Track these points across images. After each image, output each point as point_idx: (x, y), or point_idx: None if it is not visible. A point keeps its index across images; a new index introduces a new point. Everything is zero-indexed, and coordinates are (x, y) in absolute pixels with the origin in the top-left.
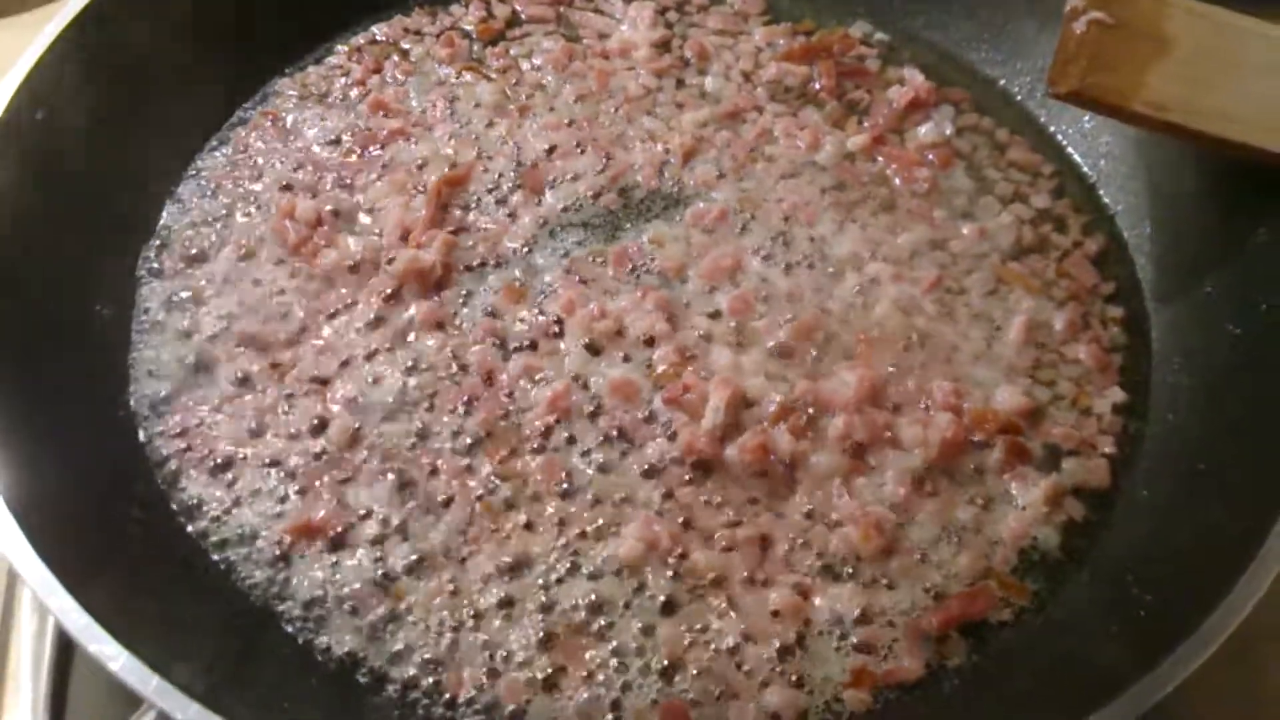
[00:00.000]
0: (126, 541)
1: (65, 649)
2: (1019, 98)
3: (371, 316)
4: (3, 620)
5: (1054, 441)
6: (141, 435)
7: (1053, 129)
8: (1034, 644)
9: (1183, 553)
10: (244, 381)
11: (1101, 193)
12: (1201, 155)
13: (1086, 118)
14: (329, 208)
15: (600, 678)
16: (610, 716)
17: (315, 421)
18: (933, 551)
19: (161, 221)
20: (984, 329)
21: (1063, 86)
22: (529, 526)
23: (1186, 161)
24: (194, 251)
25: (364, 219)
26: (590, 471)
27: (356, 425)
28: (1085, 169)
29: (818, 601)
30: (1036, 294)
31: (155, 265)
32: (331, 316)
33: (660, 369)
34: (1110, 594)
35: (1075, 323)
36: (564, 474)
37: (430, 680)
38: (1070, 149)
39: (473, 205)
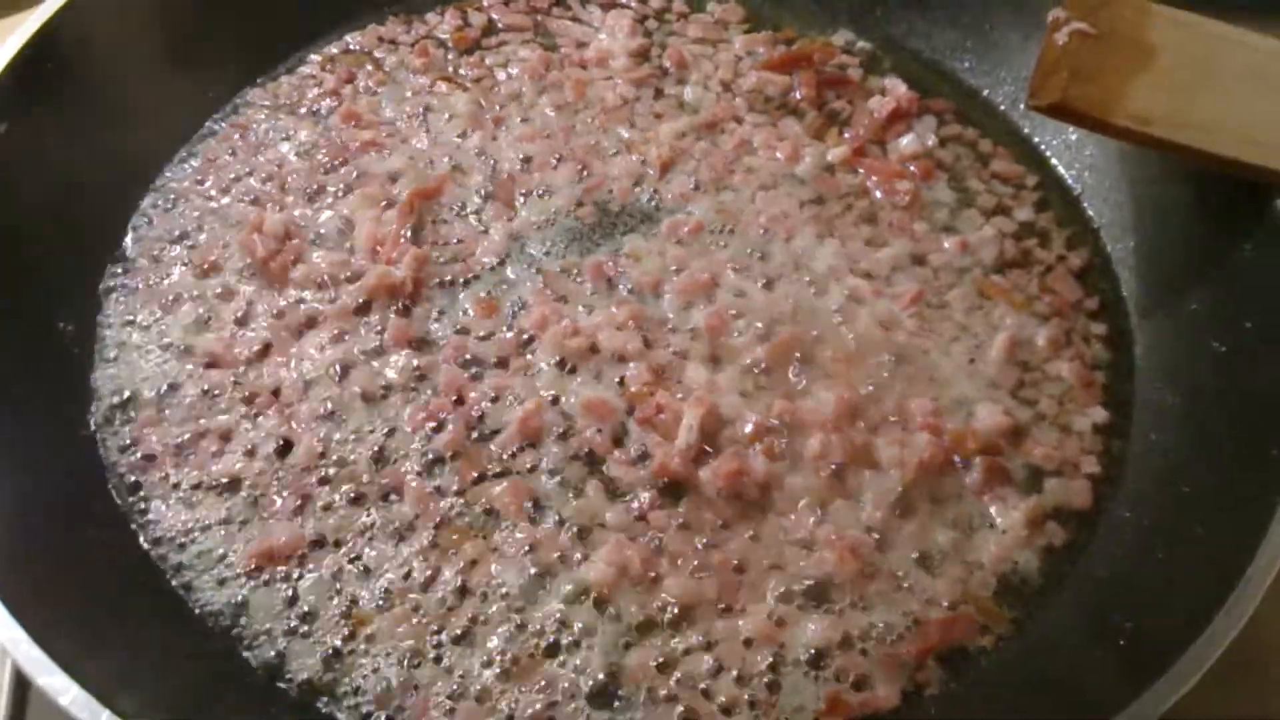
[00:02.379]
0: (84, 565)
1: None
2: (1003, 108)
3: (340, 333)
4: None
5: (1035, 462)
6: (103, 455)
7: (1037, 140)
8: (1012, 672)
9: (1166, 576)
10: (208, 400)
11: (1086, 206)
12: (1187, 169)
13: (1071, 129)
14: (298, 221)
15: (566, 706)
16: None
17: (280, 442)
18: (910, 576)
19: (127, 236)
20: (965, 346)
21: (1044, 99)
22: (496, 551)
23: (1172, 175)
24: (159, 267)
25: (334, 233)
26: (560, 494)
27: (321, 446)
28: (1070, 181)
29: (792, 628)
30: (1020, 309)
31: (120, 280)
32: (298, 333)
33: (634, 388)
34: (1091, 620)
35: (1058, 339)
36: (532, 496)
37: (392, 708)
38: (1055, 161)
39: (445, 219)
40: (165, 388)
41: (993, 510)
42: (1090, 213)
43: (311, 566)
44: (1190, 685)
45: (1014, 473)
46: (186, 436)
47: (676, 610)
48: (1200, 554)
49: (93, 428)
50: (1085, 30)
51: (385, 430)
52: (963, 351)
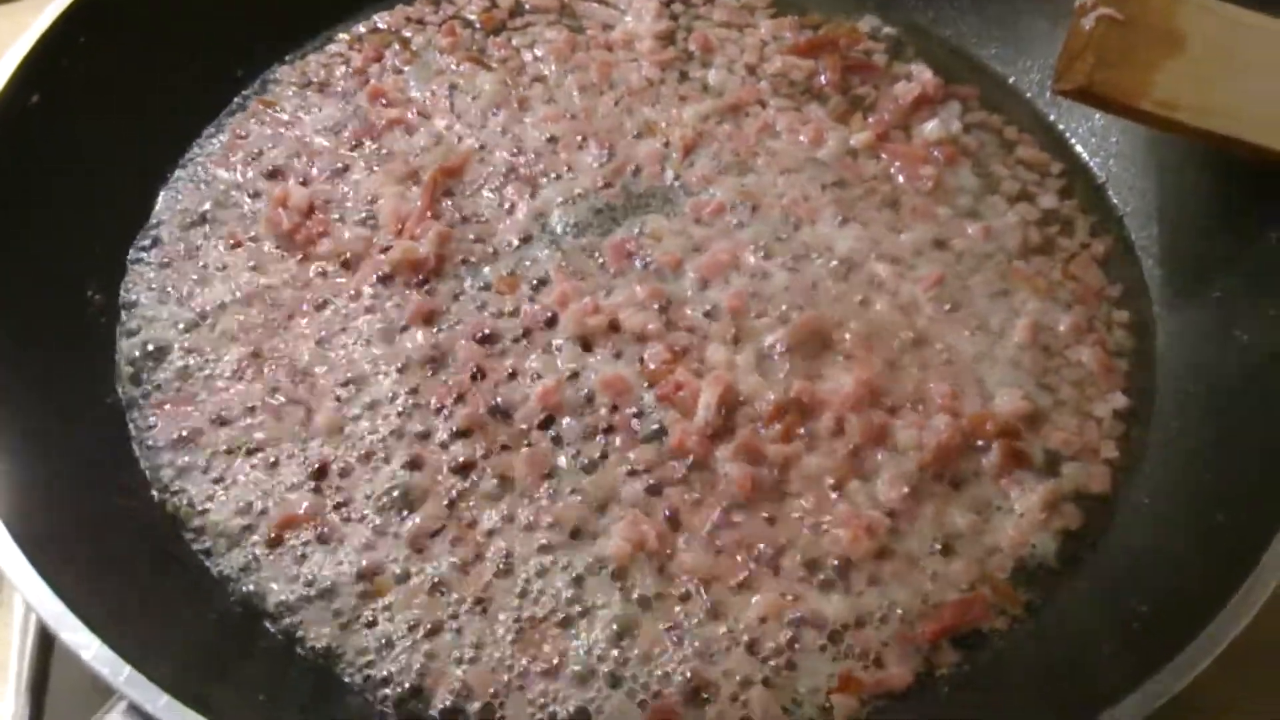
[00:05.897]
0: (109, 530)
1: (48, 632)
2: (1029, 95)
3: (363, 307)
4: None
5: (1054, 447)
6: (127, 422)
7: (1062, 127)
8: (1026, 654)
9: (1181, 563)
10: (232, 372)
11: (1111, 193)
12: (1213, 156)
13: (1098, 116)
14: (323, 197)
15: (579, 676)
16: (590, 715)
17: (302, 412)
18: (926, 557)
19: (155, 208)
20: (986, 330)
21: (1068, 83)
22: (513, 523)
23: (1198, 163)
24: (186, 238)
25: (359, 209)
26: (577, 469)
27: (341, 417)
28: (1095, 168)
29: (806, 605)
30: (1042, 295)
31: (147, 251)
32: (321, 307)
33: (653, 366)
34: (1106, 604)
35: (1080, 325)
36: (550, 471)
37: (408, 675)
38: (1080, 148)
39: (469, 196)
40: (190, 358)
41: (1010, 494)
42: (1115, 200)
43: (331, 535)
44: (1199, 671)
45: (1032, 457)
46: (210, 406)
47: (691, 586)
48: (1219, 542)
49: (119, 396)
50: (1112, 15)
51: (405, 403)
52: (984, 336)
